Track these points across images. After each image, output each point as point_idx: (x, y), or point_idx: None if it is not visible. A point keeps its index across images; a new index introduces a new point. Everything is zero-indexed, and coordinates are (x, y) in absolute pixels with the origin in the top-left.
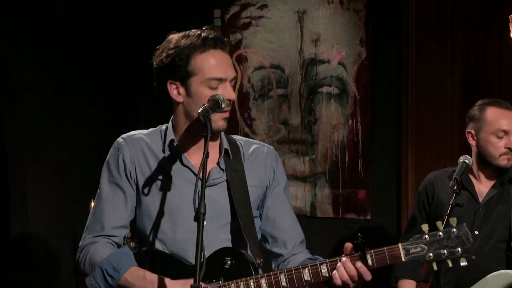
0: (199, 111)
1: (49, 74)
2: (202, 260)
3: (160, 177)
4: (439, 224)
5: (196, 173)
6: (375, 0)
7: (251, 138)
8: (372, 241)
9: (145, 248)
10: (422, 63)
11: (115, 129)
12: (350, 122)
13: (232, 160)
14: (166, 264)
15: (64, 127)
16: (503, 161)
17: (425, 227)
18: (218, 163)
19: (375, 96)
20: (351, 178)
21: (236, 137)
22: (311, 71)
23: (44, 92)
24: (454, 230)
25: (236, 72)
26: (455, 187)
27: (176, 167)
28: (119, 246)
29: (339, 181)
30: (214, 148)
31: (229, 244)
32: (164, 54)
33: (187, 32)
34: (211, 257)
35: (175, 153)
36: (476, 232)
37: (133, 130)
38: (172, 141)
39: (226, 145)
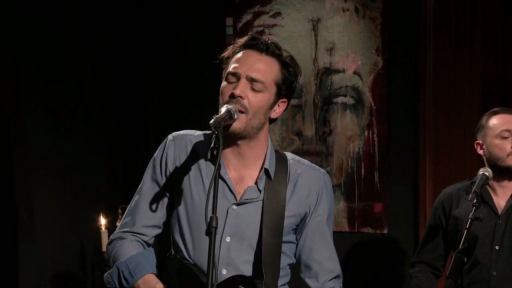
0: (211, 122)
1: (56, 81)
2: (214, 276)
3: (195, 184)
4: None
5: (232, 187)
6: (391, 8)
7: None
8: (389, 256)
9: (173, 252)
10: (439, 72)
11: (125, 140)
12: (366, 133)
13: (274, 180)
14: (183, 274)
15: (72, 137)
16: (511, 161)
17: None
18: (256, 183)
19: (391, 106)
20: (367, 190)
21: (288, 155)
22: (325, 81)
23: (50, 101)
24: None
25: (282, 86)
26: (475, 200)
27: (211, 176)
28: (148, 245)
29: (355, 194)
30: (255, 163)
31: (250, 267)
32: (225, 52)
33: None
34: (226, 282)
35: (214, 162)
36: (497, 247)
37: (143, 139)
38: (212, 148)
39: (268, 164)
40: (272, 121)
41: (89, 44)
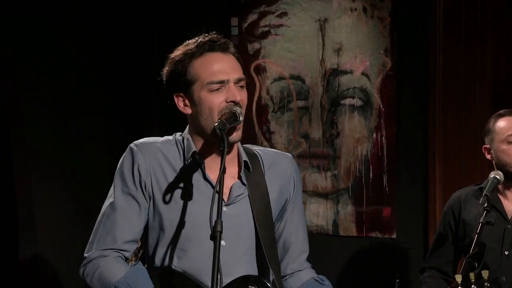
0: (215, 124)
1: (57, 82)
2: (218, 282)
3: (178, 190)
4: (485, 273)
5: (222, 189)
6: (400, 8)
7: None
8: (398, 261)
9: (156, 264)
10: (450, 73)
11: (128, 142)
12: (374, 135)
13: (253, 172)
14: (178, 284)
15: (74, 140)
16: None
17: (458, 278)
18: (239, 177)
19: (400, 108)
20: (375, 194)
21: (252, 147)
22: (333, 82)
23: (52, 102)
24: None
25: (249, 78)
26: (486, 204)
27: (196, 181)
28: (127, 259)
29: (363, 197)
30: (232, 161)
31: (250, 268)
32: (166, 68)
33: (187, 41)
34: (234, 283)
35: (195, 166)
36: (506, 253)
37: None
38: (194, 153)
39: (244, 156)
40: None
41: (92, 45)
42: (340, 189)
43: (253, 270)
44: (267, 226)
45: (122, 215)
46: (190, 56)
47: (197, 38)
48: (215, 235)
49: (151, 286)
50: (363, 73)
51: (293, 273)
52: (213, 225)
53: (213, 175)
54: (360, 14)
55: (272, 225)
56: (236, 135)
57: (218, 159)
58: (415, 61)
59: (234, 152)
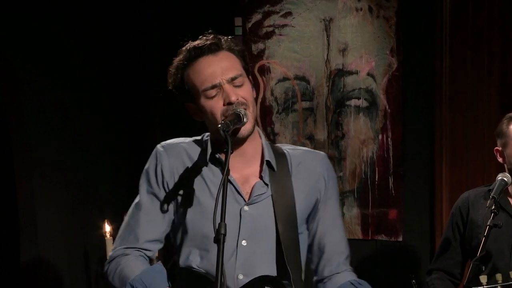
0: (219, 125)
1: (59, 85)
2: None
3: (200, 191)
4: (499, 276)
5: (239, 188)
6: (406, 7)
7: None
8: (404, 264)
9: (181, 264)
10: (456, 74)
11: (130, 145)
12: (380, 137)
13: (278, 171)
14: (198, 284)
15: (76, 142)
16: None
17: (483, 279)
18: (261, 177)
19: (406, 109)
20: (381, 196)
21: (283, 146)
22: (338, 83)
23: (53, 105)
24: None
25: (247, 66)
26: (493, 207)
27: (216, 181)
28: (151, 260)
29: (369, 200)
30: (255, 159)
31: (270, 268)
32: (169, 80)
33: (181, 48)
34: (251, 284)
35: (218, 166)
36: None
37: (149, 145)
38: (213, 152)
39: (268, 156)
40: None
41: (94, 46)
42: (346, 191)
43: (273, 271)
44: (289, 227)
45: (145, 215)
46: (182, 67)
47: (186, 45)
48: (219, 238)
49: (165, 286)
50: (368, 74)
51: (331, 275)
52: (217, 227)
53: (235, 175)
54: (365, 13)
55: (295, 226)
56: (248, 125)
57: (239, 159)
58: (421, 61)
59: (258, 150)
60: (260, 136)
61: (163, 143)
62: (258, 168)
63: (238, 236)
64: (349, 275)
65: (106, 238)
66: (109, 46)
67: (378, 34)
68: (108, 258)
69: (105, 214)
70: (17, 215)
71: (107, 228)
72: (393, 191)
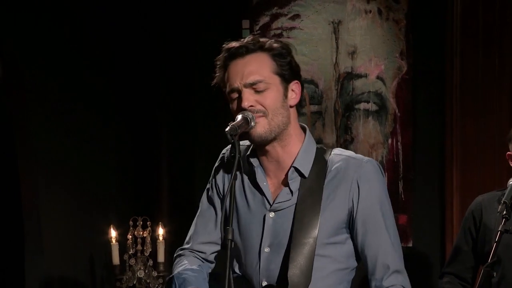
0: (227, 129)
1: (64, 86)
2: None
3: (237, 194)
4: None
5: (268, 194)
6: (416, 10)
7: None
8: (414, 270)
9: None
10: (467, 77)
11: (137, 148)
12: (389, 141)
13: (308, 179)
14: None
15: (81, 145)
16: None
17: None
18: (287, 184)
19: (416, 113)
20: (391, 201)
21: (334, 150)
22: (347, 86)
23: (58, 108)
24: None
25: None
26: (504, 212)
27: (249, 187)
28: (208, 261)
29: None
30: (288, 164)
31: (292, 276)
32: (216, 75)
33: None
34: None
35: (252, 170)
36: None
37: (155, 148)
38: (248, 156)
39: (298, 162)
40: (297, 107)
41: (100, 48)
42: None
43: (292, 276)
44: (306, 237)
45: (201, 218)
46: (220, 69)
47: (224, 45)
48: (226, 243)
49: (196, 285)
50: (378, 77)
51: None
52: (224, 233)
53: (271, 180)
54: (375, 16)
55: (313, 237)
56: (259, 129)
57: (275, 164)
58: (431, 64)
59: (293, 155)
60: (302, 137)
61: (228, 146)
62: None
63: (261, 243)
64: None
65: (111, 243)
66: (116, 49)
67: (388, 36)
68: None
69: (110, 219)
70: (21, 220)
71: (113, 233)
72: (402, 196)
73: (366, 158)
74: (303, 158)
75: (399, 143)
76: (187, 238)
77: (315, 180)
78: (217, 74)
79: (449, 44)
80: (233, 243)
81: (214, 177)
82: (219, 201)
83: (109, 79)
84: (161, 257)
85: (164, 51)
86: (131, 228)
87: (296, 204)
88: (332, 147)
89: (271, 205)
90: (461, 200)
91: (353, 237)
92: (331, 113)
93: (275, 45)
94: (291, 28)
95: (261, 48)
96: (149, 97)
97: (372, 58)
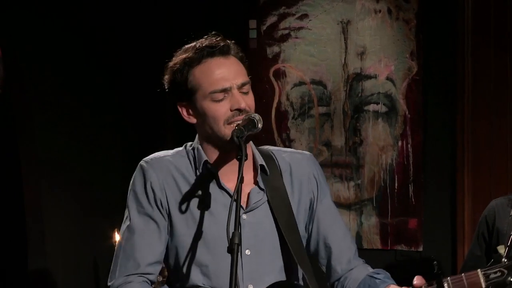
0: (233, 131)
1: (68, 88)
2: None
3: (194, 203)
4: (501, 248)
5: (240, 199)
6: (427, 9)
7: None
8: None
9: (181, 283)
10: (479, 77)
11: (140, 150)
12: (399, 143)
13: (270, 176)
14: None
15: (85, 147)
16: None
17: (501, 249)
18: (256, 182)
19: (427, 115)
20: (401, 205)
21: (268, 148)
22: (356, 87)
23: (62, 109)
24: None
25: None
26: None
27: (212, 192)
28: (152, 283)
29: (388, 208)
30: (247, 165)
31: (279, 273)
32: (166, 76)
33: (186, 45)
34: None
35: (209, 176)
36: None
37: (160, 150)
38: (206, 162)
39: (260, 160)
40: None
41: (104, 49)
42: (364, 200)
43: (282, 276)
44: (292, 229)
45: (141, 237)
46: (189, 64)
47: (195, 43)
48: (233, 248)
49: None
50: (387, 78)
51: (345, 273)
52: (231, 237)
53: (230, 184)
54: (384, 16)
55: (296, 228)
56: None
57: (233, 166)
58: (442, 65)
59: (249, 155)
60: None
61: (146, 158)
62: (251, 174)
63: (241, 247)
64: (364, 269)
65: (116, 248)
66: (121, 50)
67: (398, 36)
68: None
69: (115, 223)
70: (24, 224)
71: (117, 237)
72: (413, 200)
73: (306, 151)
74: (259, 155)
75: (409, 146)
76: (124, 264)
77: (274, 176)
78: (178, 73)
79: (460, 44)
80: (199, 254)
81: (151, 189)
82: (160, 215)
83: (114, 81)
84: None
85: (169, 52)
86: None
87: (268, 201)
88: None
89: (244, 208)
90: (472, 204)
91: (311, 228)
92: (339, 115)
93: (238, 47)
94: (299, 28)
95: (236, 50)
96: (155, 98)
97: (382, 58)
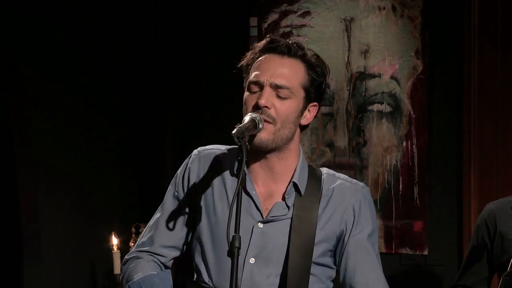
0: (233, 132)
1: (65, 89)
2: None
3: (219, 202)
4: None
5: (258, 203)
6: (432, 6)
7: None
8: (430, 279)
9: (196, 277)
10: (486, 77)
11: (140, 153)
12: (404, 144)
13: (305, 196)
14: None
15: (83, 150)
16: None
17: None
18: (283, 198)
19: (432, 115)
20: (405, 207)
21: (324, 170)
22: (359, 87)
23: (59, 110)
24: None
25: (310, 88)
26: None
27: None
28: (166, 267)
29: (392, 211)
30: (284, 177)
31: None
32: (245, 56)
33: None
34: None
35: (243, 177)
36: None
37: (159, 152)
38: (240, 161)
39: (297, 178)
40: (303, 128)
41: (103, 50)
42: None
43: None
44: (302, 254)
45: (165, 219)
46: (255, 53)
47: (271, 37)
48: (233, 251)
49: None
50: (392, 77)
51: None
52: (231, 240)
53: (260, 189)
54: (389, 13)
55: (309, 254)
56: (264, 135)
57: (267, 173)
58: (448, 63)
59: (290, 169)
60: (299, 154)
61: (200, 147)
62: (285, 188)
63: (247, 253)
64: None
65: (113, 251)
66: (120, 50)
67: (402, 34)
68: (123, 260)
69: (112, 226)
70: (20, 227)
71: (115, 241)
72: (418, 202)
73: (361, 183)
74: (300, 174)
75: (414, 146)
76: (143, 239)
77: (310, 198)
78: (247, 57)
79: (466, 42)
80: (208, 251)
81: (188, 177)
82: (189, 202)
83: (112, 83)
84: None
85: (170, 50)
86: (133, 236)
87: (291, 219)
88: (321, 167)
89: (263, 217)
90: (479, 206)
91: (339, 262)
92: (343, 115)
93: (315, 61)
94: (301, 26)
95: (302, 57)
96: (154, 100)
97: (386, 57)
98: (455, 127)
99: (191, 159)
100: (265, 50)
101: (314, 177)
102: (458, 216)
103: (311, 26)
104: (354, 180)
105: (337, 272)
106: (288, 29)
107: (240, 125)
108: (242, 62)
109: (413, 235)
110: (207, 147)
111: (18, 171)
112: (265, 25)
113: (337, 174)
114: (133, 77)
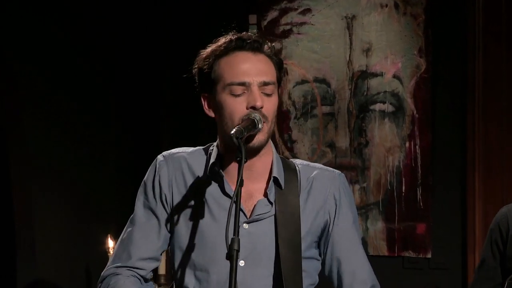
0: (232, 132)
1: (60, 89)
2: None
3: (197, 205)
4: None
5: (241, 205)
6: (435, 4)
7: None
8: (433, 283)
9: (176, 283)
10: (491, 76)
11: (136, 154)
12: (407, 144)
13: (285, 190)
14: None
15: (78, 151)
16: None
17: None
18: (266, 194)
19: (436, 115)
20: (408, 209)
21: (296, 161)
22: (361, 86)
23: (54, 111)
24: None
25: (280, 79)
26: None
27: (216, 195)
28: (145, 280)
29: (395, 213)
30: (262, 174)
31: None
32: (197, 63)
33: (220, 37)
34: None
35: (218, 178)
36: None
37: (156, 154)
38: (213, 164)
39: (276, 172)
40: None
41: (99, 50)
42: (370, 204)
43: None
44: (292, 249)
45: (139, 231)
46: (217, 53)
47: (228, 35)
48: (232, 254)
49: None
50: (394, 76)
51: None
52: (229, 243)
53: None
54: (391, 10)
55: (299, 249)
56: (261, 136)
57: (246, 173)
58: (452, 62)
59: (268, 165)
60: (272, 148)
61: (164, 152)
62: (265, 185)
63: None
64: None
65: (109, 254)
66: (117, 48)
67: (405, 32)
68: (99, 278)
69: (108, 228)
70: (14, 230)
71: (110, 243)
72: (421, 204)
73: (337, 170)
74: (278, 168)
75: (417, 147)
76: (119, 254)
77: (290, 191)
78: (206, 60)
79: (470, 40)
80: (192, 257)
81: (158, 184)
82: (164, 212)
83: (109, 82)
84: (162, 269)
85: (167, 48)
86: None
87: (275, 216)
88: (293, 159)
89: (247, 217)
90: (483, 208)
91: (324, 252)
92: (344, 115)
93: (274, 48)
94: (302, 24)
95: (269, 51)
96: (151, 100)
97: (389, 55)
98: (459, 127)
99: (158, 165)
100: (234, 49)
101: (289, 169)
102: (462, 218)
103: (312, 24)
104: (330, 168)
105: (322, 263)
106: (288, 27)
107: (239, 125)
108: (199, 65)
109: (416, 237)
110: (172, 151)
111: (12, 173)
112: (265, 23)
113: (312, 164)
114: (130, 77)
